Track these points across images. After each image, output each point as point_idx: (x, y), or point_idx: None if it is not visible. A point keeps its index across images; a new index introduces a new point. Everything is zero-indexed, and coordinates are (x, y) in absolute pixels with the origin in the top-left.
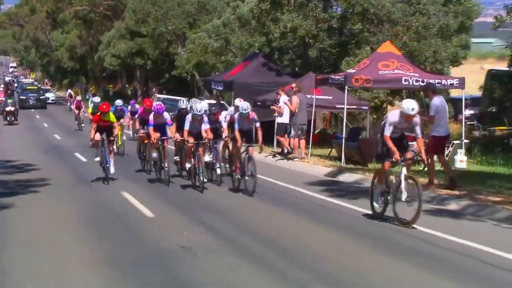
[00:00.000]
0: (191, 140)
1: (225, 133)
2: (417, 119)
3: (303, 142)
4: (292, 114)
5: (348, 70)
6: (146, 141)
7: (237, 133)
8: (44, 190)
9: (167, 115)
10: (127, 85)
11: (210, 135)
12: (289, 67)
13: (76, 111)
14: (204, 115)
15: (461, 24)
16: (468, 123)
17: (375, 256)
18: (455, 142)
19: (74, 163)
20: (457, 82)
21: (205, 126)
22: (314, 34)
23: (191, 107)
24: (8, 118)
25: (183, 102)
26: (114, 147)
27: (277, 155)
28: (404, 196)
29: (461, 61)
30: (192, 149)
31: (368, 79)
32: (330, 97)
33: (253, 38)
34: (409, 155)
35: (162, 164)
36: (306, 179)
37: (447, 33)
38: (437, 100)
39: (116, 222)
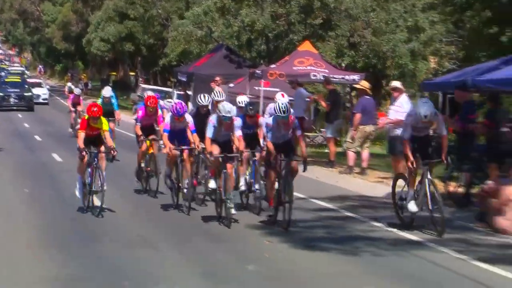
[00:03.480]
0: (215, 151)
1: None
2: (439, 117)
3: None
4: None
5: (271, 66)
6: (151, 151)
7: (270, 146)
8: None
9: (189, 118)
10: (132, 73)
11: (242, 145)
12: (256, 59)
13: (72, 110)
14: (235, 117)
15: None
16: None
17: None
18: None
19: (29, 142)
20: (358, 78)
21: (238, 133)
22: (273, 28)
23: (213, 104)
24: None
25: (204, 97)
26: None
27: None
28: (429, 203)
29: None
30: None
31: (281, 73)
32: (278, 89)
33: (232, 29)
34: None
35: (180, 184)
36: None
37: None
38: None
39: (38, 167)
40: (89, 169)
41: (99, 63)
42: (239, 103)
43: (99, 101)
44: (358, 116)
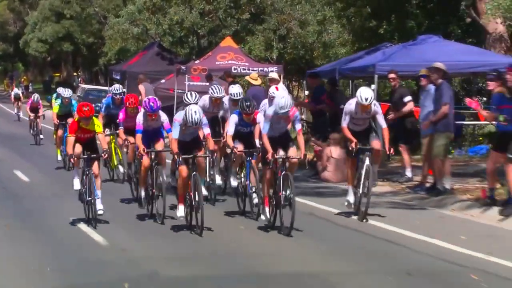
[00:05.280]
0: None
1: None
2: (376, 108)
3: None
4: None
5: (195, 61)
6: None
7: (265, 141)
8: None
9: (164, 116)
10: (75, 74)
11: (211, 144)
12: (190, 55)
13: (32, 116)
14: (203, 121)
15: None
16: None
17: None
18: None
19: None
20: (275, 69)
21: (206, 130)
22: (202, 25)
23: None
24: None
25: (191, 95)
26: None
27: None
28: (363, 188)
29: None
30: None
31: (204, 68)
32: (207, 84)
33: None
34: (375, 144)
35: (154, 190)
36: None
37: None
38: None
39: None
40: (84, 177)
41: (41, 64)
42: (233, 95)
43: (58, 102)
44: None
